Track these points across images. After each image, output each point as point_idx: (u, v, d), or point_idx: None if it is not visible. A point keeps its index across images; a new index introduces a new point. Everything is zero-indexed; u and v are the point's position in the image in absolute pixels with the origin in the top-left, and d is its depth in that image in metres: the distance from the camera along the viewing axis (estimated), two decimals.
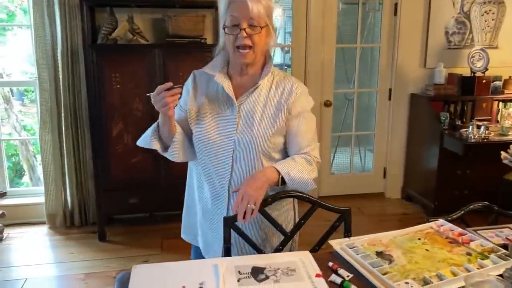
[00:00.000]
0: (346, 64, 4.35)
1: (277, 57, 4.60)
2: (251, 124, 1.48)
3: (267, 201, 1.46)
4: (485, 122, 3.67)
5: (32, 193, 3.86)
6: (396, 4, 3.99)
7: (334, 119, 4.21)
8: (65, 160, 3.54)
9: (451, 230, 1.46)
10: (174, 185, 3.32)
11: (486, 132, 3.49)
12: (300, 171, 1.45)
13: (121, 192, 3.39)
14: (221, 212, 1.53)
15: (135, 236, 3.50)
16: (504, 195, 3.41)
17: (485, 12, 4.07)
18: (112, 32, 3.30)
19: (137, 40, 3.39)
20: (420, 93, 4.09)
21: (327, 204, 1.51)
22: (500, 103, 3.96)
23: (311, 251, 1.40)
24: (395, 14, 4.01)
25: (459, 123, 3.74)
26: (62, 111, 3.44)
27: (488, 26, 4.11)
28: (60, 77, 3.39)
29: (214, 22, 3.63)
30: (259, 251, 1.47)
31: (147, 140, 1.50)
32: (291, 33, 4.01)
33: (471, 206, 1.58)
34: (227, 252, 1.44)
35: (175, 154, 1.51)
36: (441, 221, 1.52)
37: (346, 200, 4.18)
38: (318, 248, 1.48)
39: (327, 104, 4.05)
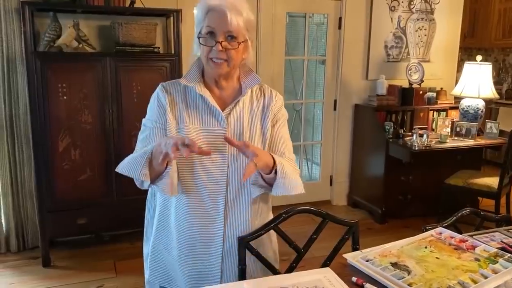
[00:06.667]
0: (294, 75, 4.43)
1: None
2: (242, 138, 1.40)
3: (280, 217, 1.41)
4: (424, 131, 3.92)
5: None
6: (340, 18, 4.15)
7: None
8: None
9: (452, 237, 1.52)
10: (126, 202, 3.17)
11: (428, 140, 3.73)
12: (293, 170, 1.40)
13: (67, 213, 3.12)
14: (216, 238, 1.39)
15: (84, 259, 3.22)
16: (445, 198, 3.66)
17: (419, 28, 4.38)
18: (56, 39, 3.05)
19: (83, 48, 3.16)
20: (363, 104, 4.28)
21: (337, 218, 1.50)
22: (435, 113, 4.27)
23: (322, 267, 1.38)
24: (339, 28, 4.17)
25: (402, 132, 3.96)
26: None
27: (421, 41, 4.43)
28: None
29: (165, 31, 3.52)
30: (273, 270, 1.42)
31: (135, 168, 1.28)
32: None
33: (462, 213, 1.66)
34: (242, 274, 1.37)
35: (167, 187, 1.30)
36: (439, 228, 1.58)
37: None
38: (329, 263, 1.46)
39: None
